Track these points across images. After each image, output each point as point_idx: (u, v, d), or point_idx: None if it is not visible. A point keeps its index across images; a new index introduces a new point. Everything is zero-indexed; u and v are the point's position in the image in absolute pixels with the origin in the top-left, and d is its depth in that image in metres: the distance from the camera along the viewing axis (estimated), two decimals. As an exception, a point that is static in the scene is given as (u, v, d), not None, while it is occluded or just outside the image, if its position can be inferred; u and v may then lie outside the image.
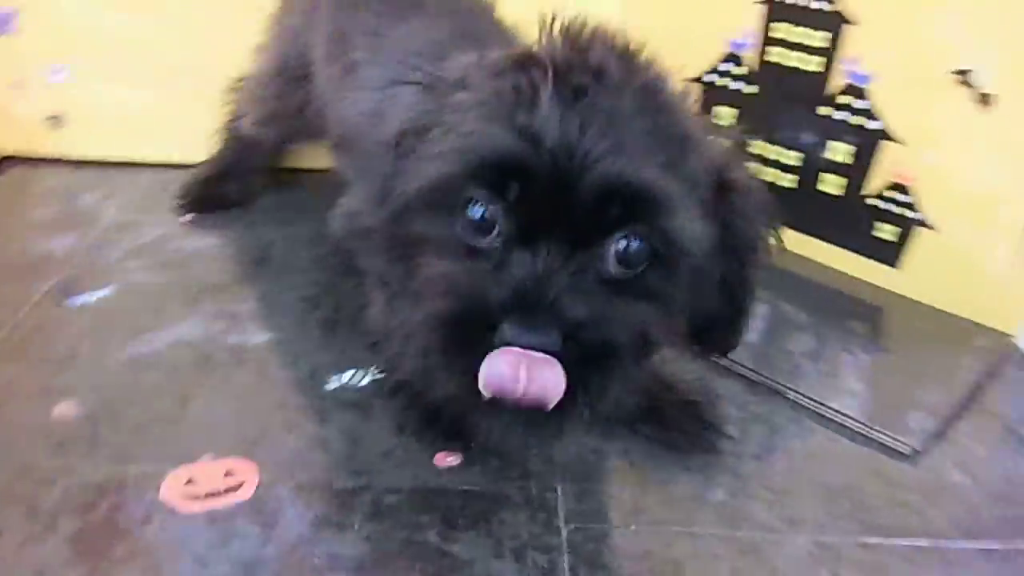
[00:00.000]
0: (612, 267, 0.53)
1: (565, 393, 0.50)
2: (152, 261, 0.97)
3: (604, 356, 0.51)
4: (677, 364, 0.80)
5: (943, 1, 0.88)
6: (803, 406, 0.82)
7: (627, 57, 0.55)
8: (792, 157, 1.04)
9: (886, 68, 0.94)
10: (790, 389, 0.83)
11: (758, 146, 1.06)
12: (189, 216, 1.07)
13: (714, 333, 0.63)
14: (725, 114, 1.08)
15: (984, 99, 0.89)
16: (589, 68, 0.52)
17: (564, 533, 0.65)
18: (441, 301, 0.52)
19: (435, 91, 0.58)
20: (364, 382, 0.80)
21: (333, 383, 0.80)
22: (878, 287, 1.01)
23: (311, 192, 1.14)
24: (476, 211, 0.52)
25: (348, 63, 0.83)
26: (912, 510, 0.70)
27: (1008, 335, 0.93)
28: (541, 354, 0.49)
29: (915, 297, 0.99)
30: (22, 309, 0.87)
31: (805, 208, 1.04)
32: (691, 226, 0.52)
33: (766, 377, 0.84)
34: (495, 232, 0.52)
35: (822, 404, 0.81)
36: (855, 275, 1.03)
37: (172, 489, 0.66)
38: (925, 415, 0.81)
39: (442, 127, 0.54)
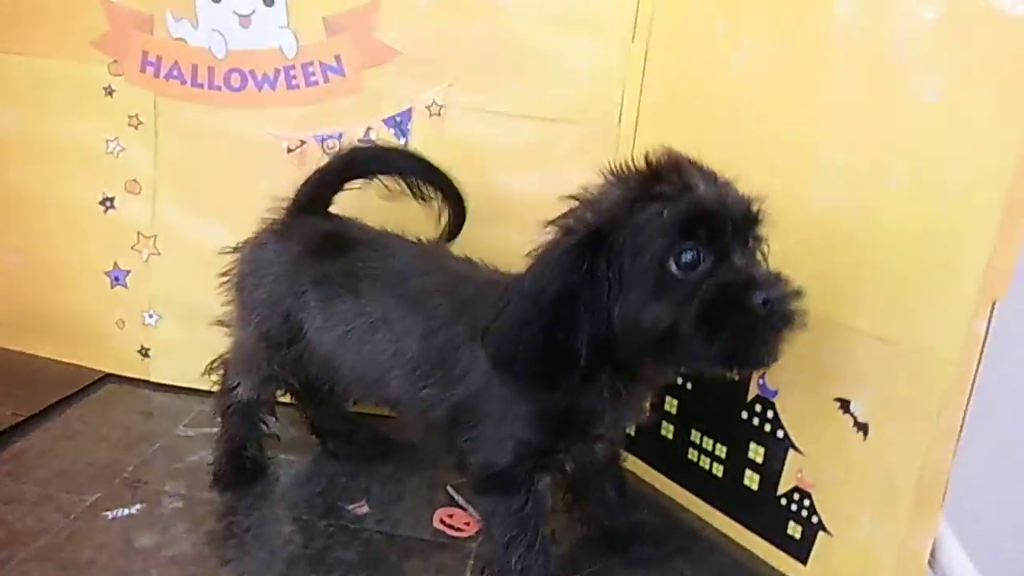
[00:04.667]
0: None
1: None
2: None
3: None
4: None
5: (832, 334, 1.02)
6: None
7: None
8: (721, 450, 1.17)
9: (787, 387, 1.08)
10: None
11: (695, 435, 1.20)
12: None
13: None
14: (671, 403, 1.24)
15: (861, 427, 1.00)
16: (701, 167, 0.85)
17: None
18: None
19: None
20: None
21: None
22: (789, 577, 1.10)
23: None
24: (689, 254, 0.81)
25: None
26: None
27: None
28: None
29: (817, 596, 1.07)
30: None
31: (732, 497, 1.16)
32: None
33: None
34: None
35: None
36: (774, 564, 1.12)
37: None
38: None
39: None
